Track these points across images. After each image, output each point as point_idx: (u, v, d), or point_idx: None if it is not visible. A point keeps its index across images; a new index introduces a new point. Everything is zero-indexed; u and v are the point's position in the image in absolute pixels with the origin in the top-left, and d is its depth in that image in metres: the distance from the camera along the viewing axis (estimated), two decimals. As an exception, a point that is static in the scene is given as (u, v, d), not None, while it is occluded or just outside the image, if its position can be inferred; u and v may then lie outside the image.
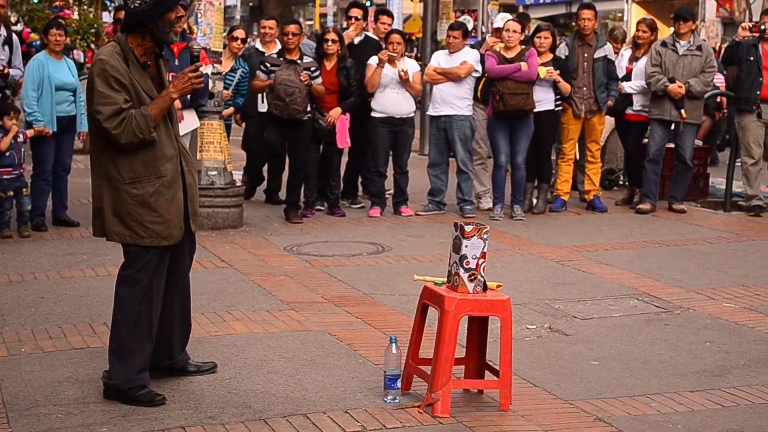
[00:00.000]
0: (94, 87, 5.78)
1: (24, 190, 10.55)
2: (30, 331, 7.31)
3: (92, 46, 20.15)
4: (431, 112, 12.14)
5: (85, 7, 21.94)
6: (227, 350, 6.86)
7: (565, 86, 11.78)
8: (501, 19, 12.71)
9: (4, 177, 10.38)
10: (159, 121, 5.85)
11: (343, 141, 11.83)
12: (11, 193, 10.42)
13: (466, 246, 5.68)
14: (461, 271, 5.71)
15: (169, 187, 5.89)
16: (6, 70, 11.16)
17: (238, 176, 12.12)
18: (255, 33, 46.94)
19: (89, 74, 5.91)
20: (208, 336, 7.18)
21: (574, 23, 27.08)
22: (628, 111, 12.57)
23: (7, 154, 10.28)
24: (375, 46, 12.41)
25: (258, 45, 12.92)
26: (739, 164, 12.82)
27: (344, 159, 12.60)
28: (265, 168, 12.96)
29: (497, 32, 12.50)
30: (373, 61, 11.80)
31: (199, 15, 11.23)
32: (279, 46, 12.13)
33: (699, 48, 12.06)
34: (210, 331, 7.30)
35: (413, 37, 31.12)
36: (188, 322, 6.35)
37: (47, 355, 6.79)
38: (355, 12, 12.66)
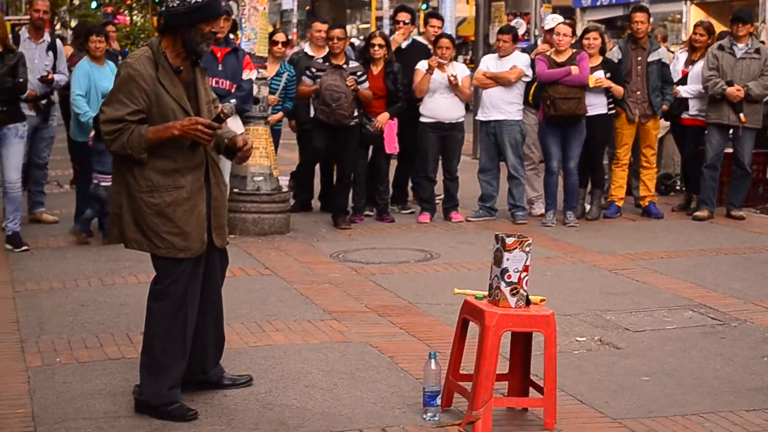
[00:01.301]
0: (114, 87, 5.68)
1: None
2: (66, 341, 7.18)
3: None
4: (481, 117, 11.92)
5: (136, 12, 21.95)
6: (265, 362, 6.68)
7: (617, 89, 11.50)
8: (552, 20, 12.43)
9: (98, 182, 10.28)
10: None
11: (391, 146, 11.64)
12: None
13: (508, 259, 5.45)
14: (503, 285, 5.48)
15: (188, 198, 5.71)
16: (51, 76, 11.08)
17: (285, 181, 11.95)
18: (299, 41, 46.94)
19: (116, 74, 5.79)
20: (246, 347, 7.00)
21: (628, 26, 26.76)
22: (684, 115, 12.24)
23: None
24: (422, 51, 12.20)
25: (307, 49, 12.73)
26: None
27: (393, 164, 12.39)
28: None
29: (548, 33, 12.23)
30: (422, 66, 11.59)
31: (243, 20, 11.08)
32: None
33: (757, 51, 11.70)
34: (249, 342, 7.12)
35: (468, 40, 30.90)
36: (222, 336, 6.18)
37: (81, 365, 6.65)
38: (403, 16, 12.44)
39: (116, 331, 7.42)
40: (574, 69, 11.11)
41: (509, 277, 5.46)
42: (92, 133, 10.19)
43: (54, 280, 8.99)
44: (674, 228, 11.64)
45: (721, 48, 11.74)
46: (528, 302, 5.55)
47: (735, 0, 34.70)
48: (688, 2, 36.82)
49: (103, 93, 10.45)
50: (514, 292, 5.48)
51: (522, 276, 5.47)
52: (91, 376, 6.42)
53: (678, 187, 13.86)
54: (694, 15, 36.38)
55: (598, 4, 40.63)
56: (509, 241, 5.43)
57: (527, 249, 5.46)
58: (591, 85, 11.28)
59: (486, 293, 5.67)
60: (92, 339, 7.22)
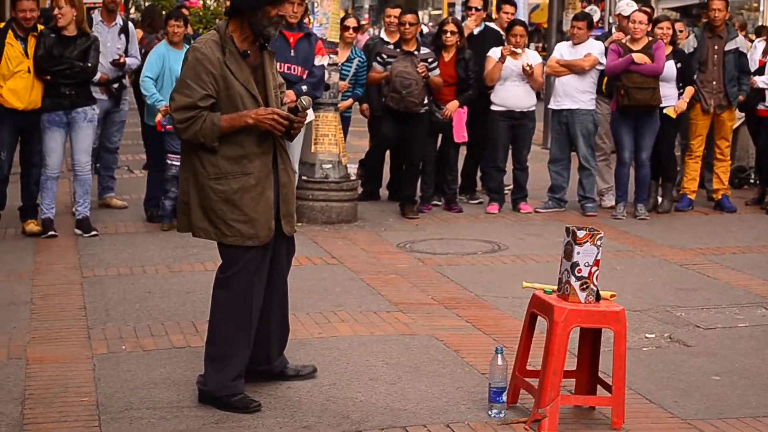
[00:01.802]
0: (181, 72, 5.65)
1: None
2: (132, 328, 7.19)
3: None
4: (553, 105, 11.76)
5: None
6: (329, 354, 6.62)
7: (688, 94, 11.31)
8: (627, 6, 12.21)
9: (173, 163, 10.24)
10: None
11: (460, 135, 11.51)
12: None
13: (578, 253, 5.33)
14: (572, 280, 5.37)
15: (256, 184, 5.65)
16: (123, 59, 11.10)
17: (353, 169, 11.89)
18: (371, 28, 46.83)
19: (183, 59, 5.73)
20: (311, 338, 6.96)
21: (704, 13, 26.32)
22: (760, 107, 11.97)
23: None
24: (495, 37, 12.05)
25: (383, 35, 12.62)
26: None
27: (462, 153, 12.26)
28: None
29: (624, 20, 12.01)
30: (494, 53, 11.44)
31: (315, 4, 11.01)
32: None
33: (839, 39, 11.43)
34: (314, 333, 7.08)
35: (540, 27, 30.58)
36: (286, 326, 6.12)
37: (147, 354, 6.65)
38: (476, 2, 12.29)
39: (182, 319, 7.41)
40: (637, 57, 10.88)
41: (579, 271, 5.35)
42: (158, 117, 10.20)
43: (122, 266, 9.01)
44: (748, 222, 11.41)
45: (802, 37, 11.47)
46: (598, 297, 5.44)
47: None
48: (766, -10, 36.20)
49: (177, 77, 10.38)
50: (584, 286, 5.37)
51: (592, 270, 5.36)
52: (155, 365, 6.42)
53: (752, 181, 13.58)
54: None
55: (674, -9, 40.11)
56: (580, 234, 5.32)
57: (598, 243, 5.34)
58: (672, 115, 11.14)
59: (555, 287, 5.56)
60: (158, 327, 7.21)
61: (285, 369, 6.12)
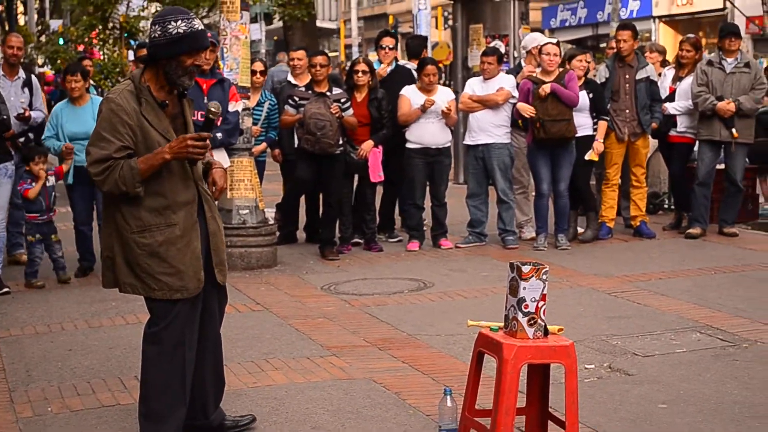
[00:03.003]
0: (96, 124, 5.42)
1: (53, 236, 10.15)
2: (57, 388, 6.88)
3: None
4: (468, 141, 11.70)
5: (110, 46, 21.65)
6: (267, 403, 6.40)
7: (602, 131, 11.38)
8: (533, 40, 12.23)
9: (32, 222, 10.03)
10: (175, 164, 5.43)
11: (376, 174, 11.40)
12: (39, 236, 10.04)
13: (524, 288, 5.20)
14: (519, 316, 5.23)
15: (182, 235, 5.43)
16: (27, 113, 10.78)
17: (270, 214, 11.69)
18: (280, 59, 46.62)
19: (98, 111, 5.49)
20: (245, 388, 6.72)
21: (605, 45, 26.65)
22: (672, 132, 12.07)
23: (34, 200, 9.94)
24: (407, 75, 11.98)
25: (290, 77, 12.47)
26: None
27: (379, 191, 12.14)
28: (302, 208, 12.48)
29: (529, 54, 12.03)
30: (407, 92, 11.37)
31: (225, 50, 10.81)
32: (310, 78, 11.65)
33: (747, 65, 11.53)
34: (248, 383, 6.84)
35: (441, 65, 30.70)
36: (221, 378, 5.90)
37: (75, 414, 6.35)
38: (387, 41, 12.22)
39: (108, 376, 7.12)
40: (543, 88, 10.89)
41: (526, 306, 5.21)
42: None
43: (38, 324, 8.68)
44: (668, 247, 11.44)
45: (710, 63, 11.57)
46: (546, 332, 5.31)
47: (703, 16, 34.89)
48: (657, 20, 36.92)
49: (68, 136, 10.13)
50: (532, 322, 5.23)
51: (540, 305, 5.22)
52: (85, 425, 6.13)
53: (666, 206, 13.69)
54: (663, 33, 36.53)
55: (567, 24, 40.79)
56: (525, 269, 5.18)
57: (544, 277, 5.22)
58: (594, 158, 11.27)
59: (501, 324, 5.42)
60: (84, 385, 6.91)
61: (223, 422, 5.90)
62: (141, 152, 5.37)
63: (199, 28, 5.45)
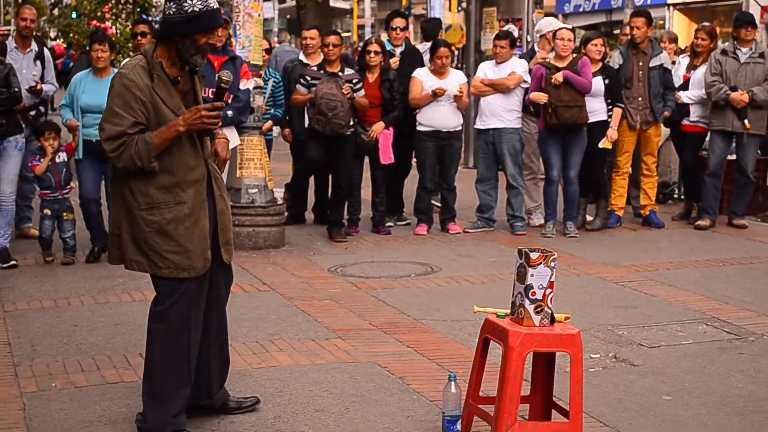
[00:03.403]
0: (108, 100, 5.37)
1: (66, 214, 9.96)
2: (62, 364, 6.88)
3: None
4: (479, 125, 11.65)
5: (122, 21, 21.60)
6: (271, 384, 6.39)
7: (616, 118, 11.33)
8: (548, 25, 12.17)
9: (43, 198, 9.97)
10: (185, 142, 5.40)
11: (386, 157, 11.35)
12: (48, 211, 9.92)
13: (532, 275, 5.17)
14: (526, 303, 5.21)
15: (190, 214, 5.40)
16: (39, 86, 10.77)
17: (279, 193, 11.67)
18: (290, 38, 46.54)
19: (110, 86, 5.44)
20: (250, 368, 6.71)
21: (618, 31, 26.57)
22: (685, 122, 12.00)
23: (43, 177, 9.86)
24: (417, 56, 11.94)
25: (302, 57, 12.43)
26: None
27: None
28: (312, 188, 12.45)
29: (545, 40, 11.98)
30: (419, 74, 11.34)
31: (237, 27, 10.77)
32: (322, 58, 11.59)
33: (762, 55, 11.44)
34: (252, 363, 6.83)
35: (453, 48, 30.58)
36: (226, 358, 5.88)
37: (79, 390, 6.34)
38: (398, 22, 12.17)
39: (113, 352, 7.11)
40: (555, 77, 10.85)
41: (533, 294, 5.19)
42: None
43: (45, 299, 8.68)
44: (677, 238, 11.40)
45: (724, 52, 11.50)
46: (553, 320, 5.29)
47: (718, 4, 34.72)
48: (671, 8, 36.75)
49: (82, 107, 9.87)
50: (539, 309, 5.21)
51: (547, 293, 5.20)
52: (89, 402, 6.12)
53: (676, 196, 13.64)
54: (677, 20, 36.35)
55: (581, 10, 40.59)
56: (534, 256, 5.16)
57: (552, 264, 5.19)
58: (602, 146, 11.20)
59: (508, 311, 5.40)
60: (88, 362, 6.91)
61: (227, 402, 5.89)
62: (153, 128, 5.34)
63: (214, 7, 5.41)
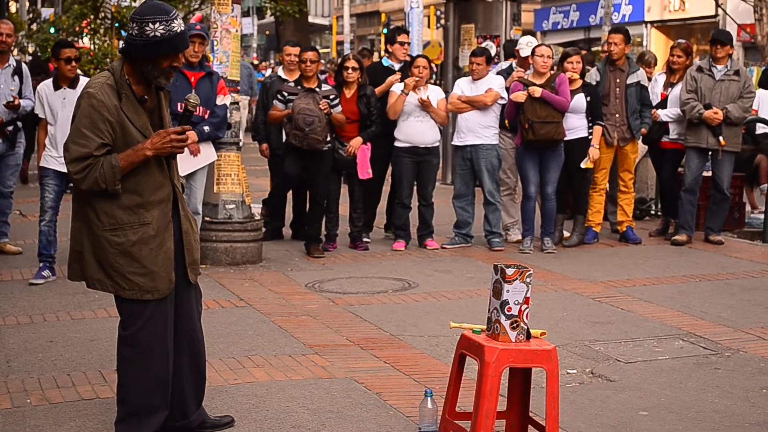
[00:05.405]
0: (75, 120, 5.29)
1: None
2: (36, 380, 6.83)
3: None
4: (456, 141, 11.67)
5: (101, 36, 21.57)
6: (247, 401, 6.37)
7: (597, 137, 11.37)
8: (526, 44, 12.21)
9: None
10: (151, 162, 5.33)
11: (364, 172, 11.36)
12: None
13: (508, 291, 5.18)
14: (502, 318, 5.22)
15: (155, 235, 5.34)
16: (17, 101, 10.74)
17: (257, 209, 11.65)
18: (271, 61, 46.66)
19: (76, 105, 5.35)
20: (226, 384, 6.69)
21: (598, 48, 26.67)
22: (664, 139, 12.04)
23: None
24: (392, 72, 11.94)
25: (281, 72, 12.43)
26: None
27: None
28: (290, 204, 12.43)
29: (524, 60, 12.01)
30: (397, 88, 11.35)
31: (215, 42, 10.77)
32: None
33: (737, 73, 11.51)
34: (228, 379, 6.81)
35: (432, 64, 30.69)
36: (203, 378, 5.80)
37: (54, 407, 6.31)
38: (405, 38, 12.19)
39: (89, 368, 7.08)
40: (531, 90, 10.88)
41: (509, 309, 5.20)
42: None
43: (20, 314, 8.63)
44: (653, 254, 11.44)
45: (700, 70, 11.56)
46: (528, 336, 5.29)
47: (695, 22, 34.92)
48: (649, 25, 36.94)
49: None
50: (515, 325, 5.22)
51: (523, 308, 5.21)
52: (64, 418, 6.09)
53: (653, 212, 13.69)
54: (654, 38, 36.55)
55: (559, 27, 40.77)
56: (509, 271, 5.17)
57: (528, 280, 5.20)
58: (589, 166, 11.28)
59: (484, 327, 5.41)
60: (64, 378, 6.87)
61: (204, 422, 5.83)
62: (119, 148, 5.27)
63: (178, 31, 5.27)
